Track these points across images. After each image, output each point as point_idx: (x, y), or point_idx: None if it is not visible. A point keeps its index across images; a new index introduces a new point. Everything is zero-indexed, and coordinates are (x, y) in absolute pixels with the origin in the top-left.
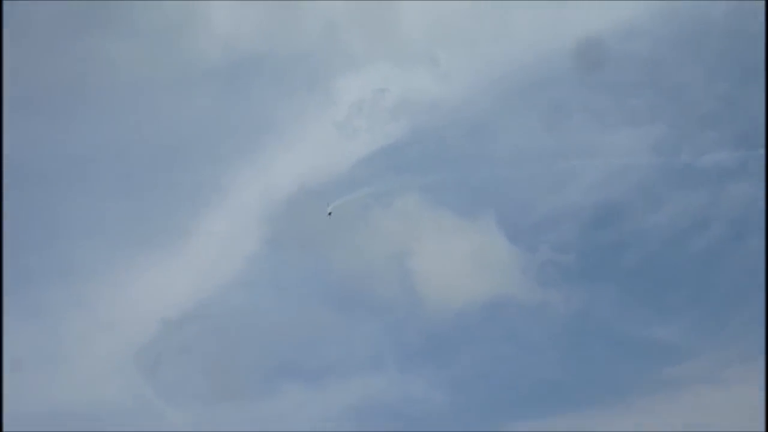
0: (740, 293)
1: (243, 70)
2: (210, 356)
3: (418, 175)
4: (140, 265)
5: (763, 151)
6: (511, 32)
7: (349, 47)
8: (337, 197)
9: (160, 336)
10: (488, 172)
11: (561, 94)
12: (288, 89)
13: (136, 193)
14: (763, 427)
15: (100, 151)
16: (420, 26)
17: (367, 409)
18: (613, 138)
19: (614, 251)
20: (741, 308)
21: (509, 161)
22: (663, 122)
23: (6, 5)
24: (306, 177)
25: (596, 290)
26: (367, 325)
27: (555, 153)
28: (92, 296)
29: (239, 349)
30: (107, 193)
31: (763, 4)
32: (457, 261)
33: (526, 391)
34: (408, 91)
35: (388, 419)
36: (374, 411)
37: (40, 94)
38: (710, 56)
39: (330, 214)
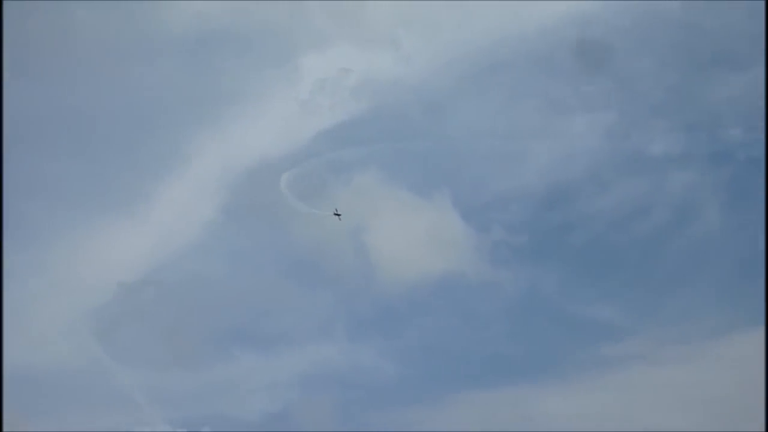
0: (679, 277)
1: (210, 43)
2: (164, 321)
3: (377, 150)
4: (98, 228)
5: (707, 140)
6: (471, 18)
7: (315, 27)
8: (296, 170)
9: (115, 299)
10: (445, 150)
11: (517, 78)
12: (253, 64)
13: (96, 157)
14: (763, 427)
15: (62, 115)
16: (384, 10)
17: (316, 377)
18: (566, 122)
19: (561, 233)
20: (679, 291)
21: (465, 141)
22: (614, 109)
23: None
24: (267, 150)
25: (543, 270)
26: (320, 296)
27: (509, 134)
28: (48, 258)
29: (193, 314)
30: (67, 155)
31: (762, 4)
32: (412, 237)
33: (471, 364)
34: (371, 72)
35: (337, 387)
36: (324, 379)
37: (2, 56)
38: (662, 47)
39: (339, 215)
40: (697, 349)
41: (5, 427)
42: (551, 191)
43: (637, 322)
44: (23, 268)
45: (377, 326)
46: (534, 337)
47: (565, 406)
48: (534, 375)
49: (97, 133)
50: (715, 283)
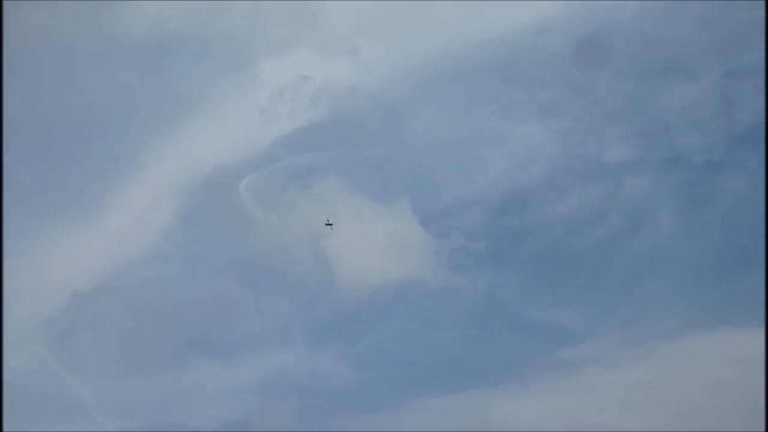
0: (633, 281)
1: (168, 48)
2: (120, 329)
3: (336, 157)
4: (52, 234)
5: (660, 147)
6: (429, 26)
7: (274, 34)
8: (255, 176)
9: (70, 307)
10: (403, 157)
11: (474, 86)
12: (212, 70)
13: (50, 162)
14: (763, 427)
15: (14, 118)
16: (343, 17)
17: (275, 384)
18: (522, 129)
19: (519, 238)
20: (633, 295)
21: (424, 147)
22: (570, 116)
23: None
24: (225, 156)
25: (501, 275)
26: (279, 302)
27: (467, 141)
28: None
29: (150, 322)
30: (20, 160)
31: (762, 3)
32: (371, 243)
33: (431, 369)
34: (330, 79)
35: (296, 394)
36: (283, 386)
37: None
38: (616, 56)
39: (331, 225)
40: (651, 351)
41: (5, 427)
42: (509, 197)
43: (594, 325)
44: None
45: (336, 332)
46: (493, 342)
47: (525, 409)
48: (494, 379)
49: (51, 138)
50: (668, 287)
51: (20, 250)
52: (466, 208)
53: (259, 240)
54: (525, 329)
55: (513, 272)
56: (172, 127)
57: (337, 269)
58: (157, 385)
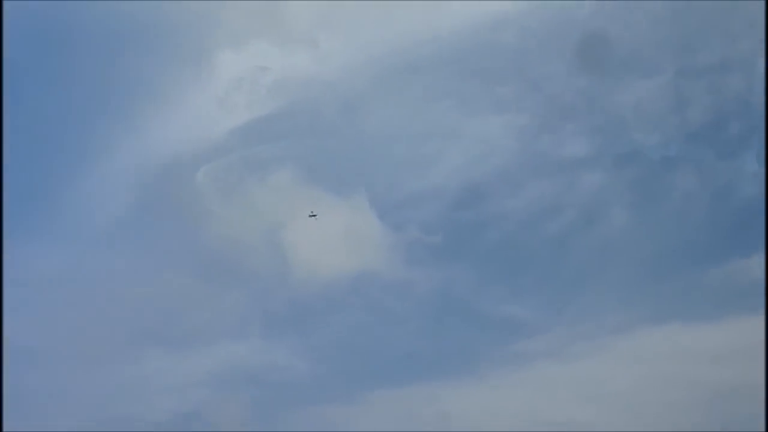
0: (585, 275)
1: (126, 37)
2: (71, 320)
3: (293, 148)
4: (2, 224)
5: (614, 143)
6: (388, 19)
7: (233, 25)
8: (211, 167)
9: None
10: (361, 149)
11: (432, 79)
12: (170, 61)
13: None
14: (763, 427)
15: None
16: (302, 9)
17: (229, 376)
18: (479, 124)
19: (474, 232)
20: (585, 289)
21: (381, 140)
22: (526, 112)
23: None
24: (182, 147)
25: (456, 268)
26: (235, 294)
27: (424, 134)
28: None
29: (102, 313)
30: None
31: (762, 3)
32: (328, 235)
33: (386, 361)
34: (288, 70)
35: (249, 386)
36: (236, 377)
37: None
38: (572, 52)
39: (315, 215)
40: (602, 345)
41: (5, 427)
42: (465, 191)
43: (547, 319)
44: None
45: (291, 324)
46: (448, 335)
47: (478, 402)
48: (448, 372)
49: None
50: (620, 281)
51: None
52: (423, 201)
53: (214, 231)
54: (479, 322)
55: (468, 265)
56: (129, 116)
57: (293, 261)
58: (110, 376)
